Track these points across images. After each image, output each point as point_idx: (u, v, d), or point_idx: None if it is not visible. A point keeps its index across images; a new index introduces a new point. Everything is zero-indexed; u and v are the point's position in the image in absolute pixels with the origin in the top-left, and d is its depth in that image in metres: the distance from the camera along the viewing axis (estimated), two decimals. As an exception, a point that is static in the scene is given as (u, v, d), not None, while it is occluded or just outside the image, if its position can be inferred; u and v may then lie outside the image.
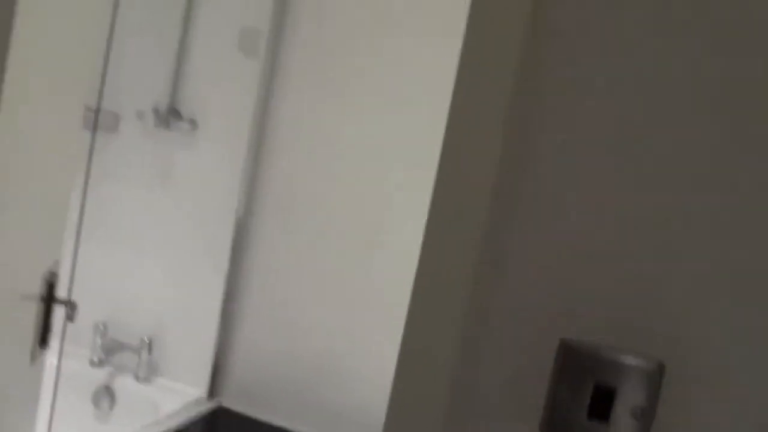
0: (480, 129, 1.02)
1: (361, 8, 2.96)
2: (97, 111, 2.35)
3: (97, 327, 3.29)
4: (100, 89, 2.32)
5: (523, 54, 0.98)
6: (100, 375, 3.26)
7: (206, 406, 3.13)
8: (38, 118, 1.58)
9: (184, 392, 3.18)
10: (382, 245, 2.97)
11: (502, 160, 0.99)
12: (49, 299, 1.82)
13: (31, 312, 1.77)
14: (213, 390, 3.19)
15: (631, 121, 0.95)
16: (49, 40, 1.54)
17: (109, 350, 3.29)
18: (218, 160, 3.17)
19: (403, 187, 2.90)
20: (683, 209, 0.93)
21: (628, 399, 0.93)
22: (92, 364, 3.29)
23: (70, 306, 1.91)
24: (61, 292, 1.92)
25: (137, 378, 3.24)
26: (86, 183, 2.32)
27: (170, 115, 3.18)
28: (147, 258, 3.30)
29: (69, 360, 2.51)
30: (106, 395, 3.22)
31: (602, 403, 0.93)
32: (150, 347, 3.23)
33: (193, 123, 3.17)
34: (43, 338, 1.84)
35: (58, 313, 1.89)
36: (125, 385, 3.24)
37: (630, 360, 0.93)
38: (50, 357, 1.99)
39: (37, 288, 1.77)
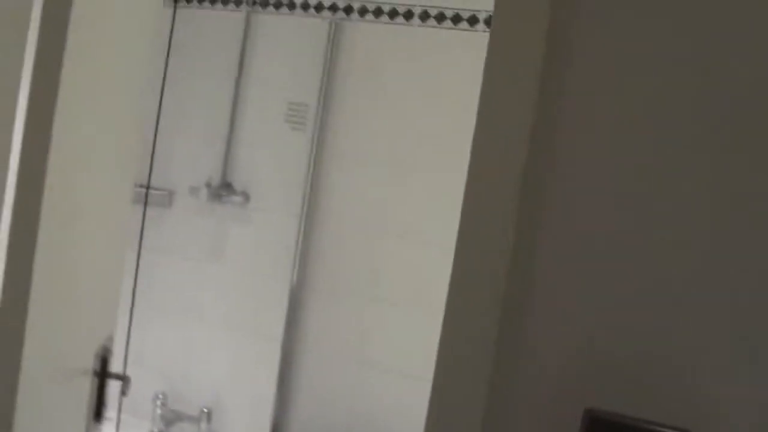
0: (497, 208, 1.05)
1: (402, 82, 3.04)
2: (148, 188, 2.45)
3: (157, 398, 3.35)
4: (150, 167, 2.42)
5: (534, 146, 1.02)
6: (160, 446, 3.32)
7: (264, 475, 3.15)
8: (90, 197, 1.66)
9: (242, 461, 3.21)
10: (435, 311, 2.99)
11: (519, 232, 1.02)
12: (102, 374, 1.88)
13: (86, 386, 1.82)
14: (270, 458, 3.21)
15: (653, 192, 0.97)
16: (97, 123, 1.62)
17: (169, 421, 3.35)
18: (271, 230, 3.24)
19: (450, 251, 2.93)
20: (705, 281, 0.94)
21: None
22: (153, 435, 3.35)
23: (124, 380, 1.96)
24: (117, 365, 1.98)
25: (197, 448, 3.28)
26: (138, 258, 2.40)
27: (222, 189, 3.28)
28: (204, 330, 3.37)
29: (129, 431, 2.57)
30: (166, 466, 3.27)
31: None
32: (209, 417, 3.28)
33: (246, 196, 3.26)
34: (97, 412, 1.89)
35: (114, 386, 1.94)
36: (185, 455, 3.29)
37: (657, 428, 0.94)
38: (110, 430, 2.04)
39: (91, 363, 1.83)
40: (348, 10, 3.14)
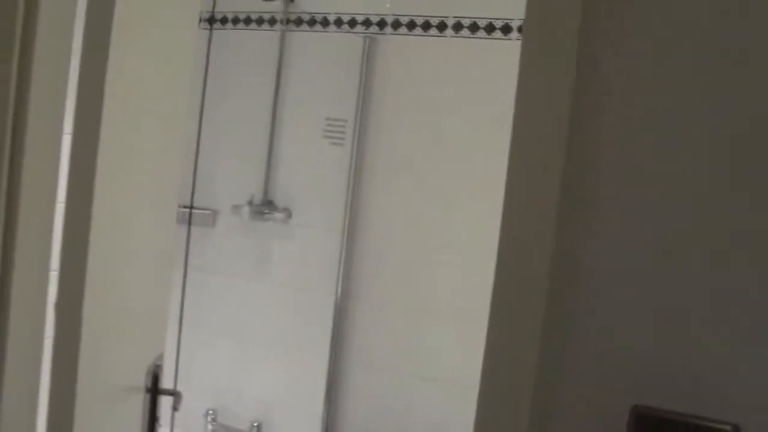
0: (537, 214, 1.07)
1: (438, 93, 3.06)
2: (191, 208, 2.50)
3: (207, 415, 3.40)
4: (193, 188, 2.47)
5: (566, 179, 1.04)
6: (212, 461, 3.37)
7: (315, 487, 3.18)
8: (137, 219, 1.70)
9: (294, 475, 3.24)
10: (478, 319, 3.00)
11: (560, 237, 1.04)
12: (154, 390, 1.92)
13: (139, 403, 1.86)
14: (321, 471, 3.24)
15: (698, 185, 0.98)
16: (141, 147, 1.67)
17: (220, 437, 3.40)
18: (314, 245, 3.28)
19: (491, 258, 2.94)
20: (752, 282, 0.95)
21: None
22: (205, 451, 3.40)
23: (176, 395, 2.00)
24: (167, 382, 2.02)
25: (248, 462, 3.33)
26: (185, 277, 2.45)
27: (264, 206, 3.33)
28: (252, 346, 3.42)
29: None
30: (219, 481, 3.32)
31: None
32: (259, 431, 3.32)
33: (287, 212, 3.31)
34: (150, 428, 1.93)
35: (166, 403, 1.99)
36: (237, 470, 3.33)
37: (705, 423, 0.94)
38: (162, 446, 2.08)
39: (143, 380, 1.87)
40: (381, 24, 3.17)
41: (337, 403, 3.25)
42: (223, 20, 3.45)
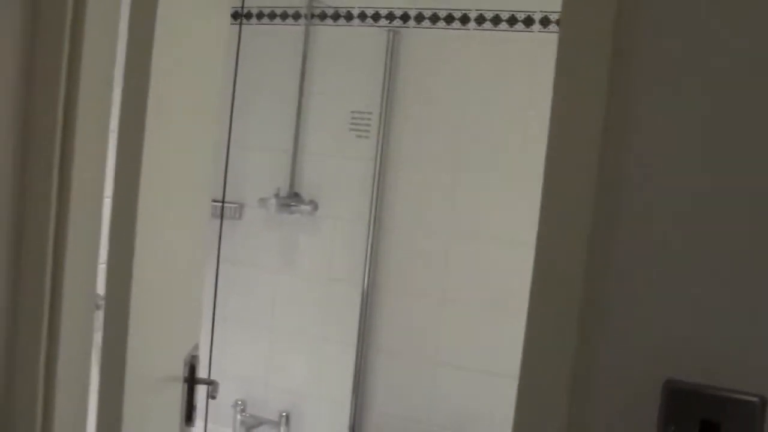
0: (574, 192, 1.10)
1: (461, 85, 3.10)
2: (223, 202, 2.55)
3: (236, 405, 3.46)
4: (225, 182, 2.52)
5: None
6: (242, 451, 3.43)
7: (345, 475, 3.24)
8: (175, 215, 1.75)
9: (323, 462, 3.30)
10: (506, 306, 3.04)
11: (596, 222, 1.07)
12: (191, 380, 1.98)
13: (178, 392, 1.92)
14: (350, 457, 3.30)
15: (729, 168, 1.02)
16: (179, 144, 1.72)
17: (250, 426, 3.45)
18: (341, 237, 3.33)
19: (517, 246, 2.98)
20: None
21: (733, 431, 0.99)
22: (234, 440, 3.46)
23: (213, 384, 2.06)
24: (202, 372, 2.07)
25: (278, 451, 3.39)
26: (217, 270, 2.49)
27: (291, 199, 3.37)
28: (280, 337, 3.47)
29: (212, 438, 2.68)
30: (249, 470, 3.38)
31: None
32: (288, 421, 3.38)
33: (314, 204, 3.35)
34: (188, 416, 1.99)
35: (201, 392, 2.04)
36: (267, 458, 3.40)
37: (734, 395, 0.99)
38: (197, 433, 2.13)
39: (181, 370, 1.92)
40: (405, 17, 3.20)
41: (364, 392, 3.30)
42: (248, 15, 3.50)
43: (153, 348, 1.71)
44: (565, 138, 1.10)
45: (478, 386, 3.08)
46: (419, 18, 3.18)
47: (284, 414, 3.38)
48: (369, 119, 3.26)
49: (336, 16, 3.35)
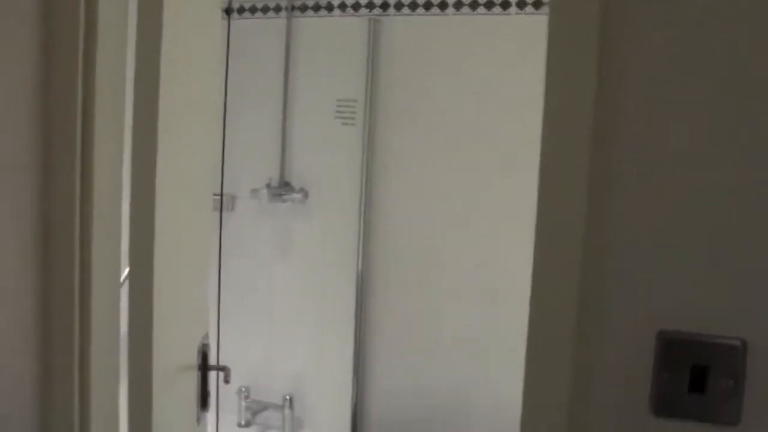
0: (570, 162, 1.19)
1: (443, 70, 3.18)
2: (222, 195, 2.62)
3: (240, 392, 3.55)
4: (222, 175, 2.59)
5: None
6: (249, 435, 3.52)
7: (350, 452, 3.34)
8: (184, 210, 1.83)
9: (329, 441, 3.40)
10: (490, 283, 3.14)
11: (592, 185, 1.17)
12: (204, 367, 2.06)
13: (193, 379, 2.00)
14: (355, 435, 3.40)
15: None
16: (186, 142, 1.79)
17: (255, 411, 3.54)
18: (333, 223, 3.42)
19: (506, 227, 3.08)
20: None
21: (720, 373, 1.11)
22: (240, 426, 3.54)
23: (225, 370, 2.14)
24: (211, 361, 2.16)
25: (283, 433, 3.48)
26: (219, 261, 2.57)
27: (282, 188, 3.45)
28: (279, 324, 3.56)
29: (219, 425, 2.77)
30: (257, 453, 3.47)
31: (699, 379, 1.11)
32: (291, 403, 3.47)
33: (305, 192, 3.43)
34: (203, 401, 2.07)
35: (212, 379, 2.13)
36: (273, 441, 3.49)
37: (718, 341, 1.11)
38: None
39: (194, 358, 2.01)
40: (384, 6, 3.27)
41: (365, 371, 3.39)
42: (228, 10, 3.55)
43: (172, 338, 1.79)
44: (558, 103, 1.18)
45: (474, 357, 3.19)
46: (398, 5, 3.26)
47: (288, 397, 3.46)
48: (354, 107, 3.33)
49: (317, 8, 3.41)
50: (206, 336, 2.11)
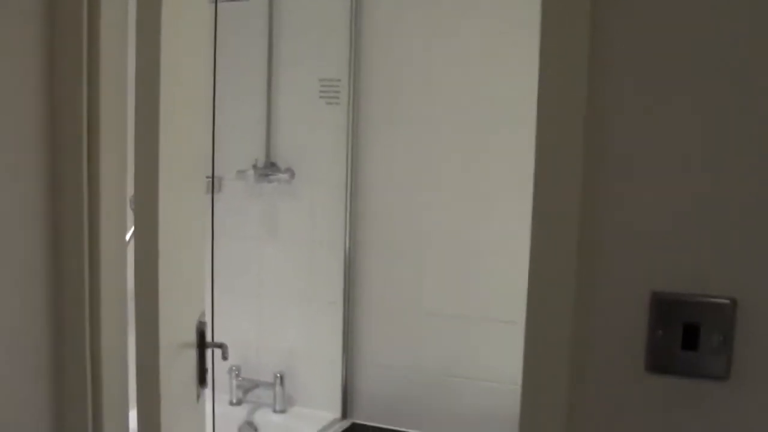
0: (564, 126, 1.25)
1: (426, 44, 3.21)
2: (213, 177, 2.65)
3: (231, 371, 3.60)
4: (213, 158, 2.63)
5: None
6: (241, 412, 3.57)
7: (342, 426, 3.41)
8: (182, 192, 1.87)
9: (320, 416, 3.46)
10: (474, 252, 3.20)
11: (588, 159, 1.22)
12: (201, 344, 2.11)
13: (193, 356, 2.05)
14: (346, 410, 3.46)
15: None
16: (183, 128, 1.83)
17: (246, 389, 3.59)
18: (319, 202, 3.47)
19: (490, 199, 3.14)
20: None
21: (711, 330, 1.18)
22: (232, 404, 3.60)
23: (223, 347, 2.19)
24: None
25: (275, 410, 3.54)
26: (213, 240, 2.61)
27: (268, 169, 3.49)
28: (269, 303, 3.61)
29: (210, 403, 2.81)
30: (250, 429, 3.51)
31: (691, 337, 1.19)
32: (282, 381, 3.52)
33: (291, 172, 3.47)
34: (202, 378, 2.12)
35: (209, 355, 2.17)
36: (265, 418, 3.55)
37: (709, 300, 1.18)
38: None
39: (192, 336, 2.05)
40: (365, -17, 3.30)
41: (354, 346, 3.45)
42: (209, -8, 3.56)
43: (174, 316, 1.84)
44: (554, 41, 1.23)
45: (462, 330, 3.25)
46: (379, -18, 3.28)
47: (279, 375, 3.52)
48: (338, 86, 3.37)
49: (298, -12, 3.43)
50: (203, 314, 2.16)
